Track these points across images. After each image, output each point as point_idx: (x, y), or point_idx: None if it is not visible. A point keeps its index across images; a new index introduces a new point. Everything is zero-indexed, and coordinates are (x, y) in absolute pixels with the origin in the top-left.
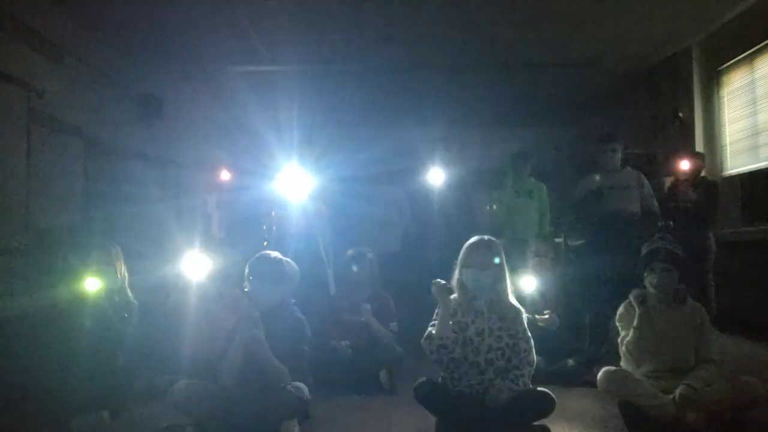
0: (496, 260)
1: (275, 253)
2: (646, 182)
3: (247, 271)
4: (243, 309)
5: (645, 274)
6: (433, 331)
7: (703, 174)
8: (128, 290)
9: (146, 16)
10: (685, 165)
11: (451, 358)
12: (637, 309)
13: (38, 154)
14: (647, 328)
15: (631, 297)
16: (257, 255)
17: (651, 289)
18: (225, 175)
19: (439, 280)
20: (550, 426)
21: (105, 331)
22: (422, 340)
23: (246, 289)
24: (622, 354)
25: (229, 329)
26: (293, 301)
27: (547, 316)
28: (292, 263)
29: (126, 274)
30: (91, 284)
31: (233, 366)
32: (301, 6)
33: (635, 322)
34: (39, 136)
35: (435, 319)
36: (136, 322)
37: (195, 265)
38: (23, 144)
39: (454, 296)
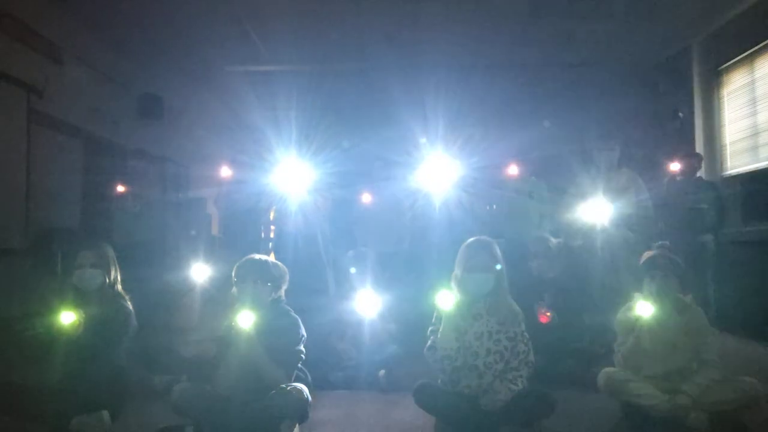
0: (496, 262)
1: (260, 255)
2: (643, 184)
3: (233, 274)
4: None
5: (644, 282)
6: (436, 342)
7: (699, 174)
8: (121, 291)
9: (146, 16)
10: (683, 165)
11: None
12: (637, 319)
13: (38, 154)
14: (646, 337)
15: (632, 305)
16: (243, 258)
17: (650, 297)
18: (226, 172)
19: (445, 291)
20: (551, 426)
21: (93, 332)
22: (425, 350)
23: (233, 293)
24: (616, 361)
25: (220, 334)
26: (284, 300)
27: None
28: (279, 264)
29: (118, 276)
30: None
31: (228, 370)
32: (301, 6)
33: (635, 332)
34: (39, 136)
35: (434, 323)
36: (126, 320)
37: (197, 271)
38: (23, 144)
39: (453, 298)
